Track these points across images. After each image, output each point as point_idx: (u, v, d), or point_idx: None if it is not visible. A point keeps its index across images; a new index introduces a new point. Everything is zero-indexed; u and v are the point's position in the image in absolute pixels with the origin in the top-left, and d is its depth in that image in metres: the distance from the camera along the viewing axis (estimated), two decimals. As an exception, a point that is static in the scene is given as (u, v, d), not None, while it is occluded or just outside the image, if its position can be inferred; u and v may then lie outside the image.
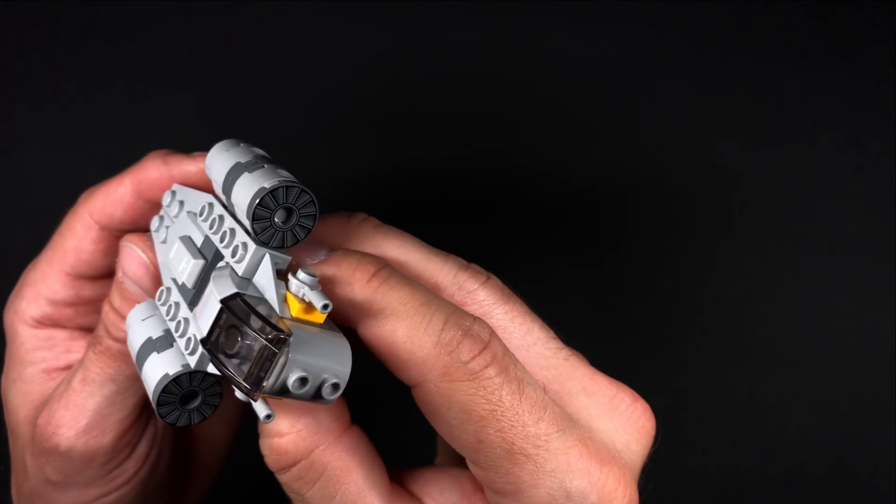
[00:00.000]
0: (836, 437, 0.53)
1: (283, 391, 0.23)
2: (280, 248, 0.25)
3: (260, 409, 0.23)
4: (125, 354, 0.31)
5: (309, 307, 0.24)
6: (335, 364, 0.23)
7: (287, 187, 0.25)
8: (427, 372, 0.25)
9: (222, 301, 0.23)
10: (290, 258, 0.26)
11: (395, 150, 0.57)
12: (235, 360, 0.23)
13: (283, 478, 0.27)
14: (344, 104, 0.56)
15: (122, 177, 0.33)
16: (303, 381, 0.23)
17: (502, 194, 0.56)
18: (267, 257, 0.25)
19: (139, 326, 0.28)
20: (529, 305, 0.29)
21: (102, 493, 0.34)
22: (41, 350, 0.34)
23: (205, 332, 0.24)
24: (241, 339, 0.23)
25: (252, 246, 0.25)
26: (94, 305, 0.35)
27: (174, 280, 0.28)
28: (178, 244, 0.28)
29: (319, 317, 0.24)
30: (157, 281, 0.30)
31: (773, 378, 0.53)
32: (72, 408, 0.32)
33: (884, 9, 0.54)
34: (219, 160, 0.28)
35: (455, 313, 0.26)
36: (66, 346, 0.35)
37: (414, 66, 0.56)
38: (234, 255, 0.26)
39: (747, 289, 0.54)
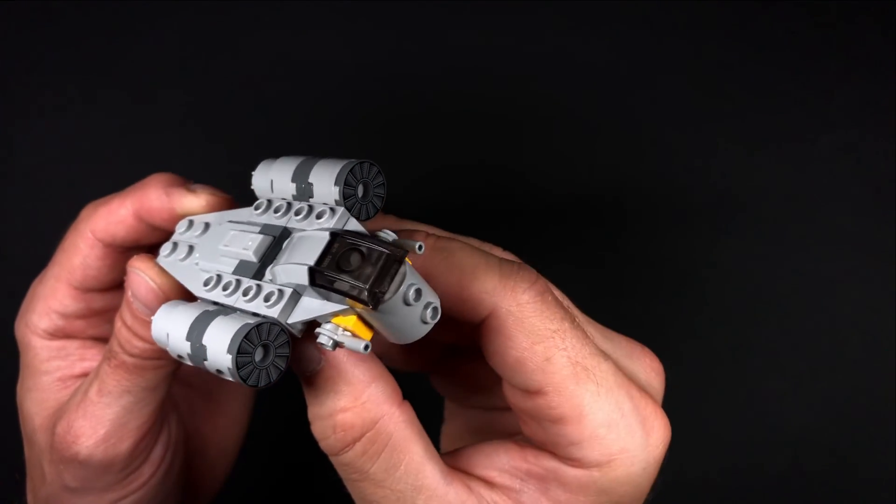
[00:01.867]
0: (836, 437, 0.53)
1: (405, 301, 0.24)
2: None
3: (357, 343, 0.25)
4: (140, 368, 0.31)
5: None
6: (432, 291, 0.26)
7: (369, 163, 0.28)
8: (499, 300, 0.27)
9: (332, 231, 0.25)
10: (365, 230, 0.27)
11: (395, 150, 0.57)
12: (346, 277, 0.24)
13: (346, 457, 0.28)
14: (344, 105, 0.56)
15: (123, 198, 0.33)
16: (418, 292, 0.25)
17: (501, 194, 0.56)
18: (352, 219, 0.27)
19: (183, 309, 0.27)
20: None
21: (119, 497, 0.34)
22: (55, 360, 0.35)
23: (313, 262, 0.25)
24: (358, 259, 0.24)
25: (339, 208, 0.27)
26: (105, 315, 0.36)
27: (220, 272, 0.29)
28: (234, 232, 0.29)
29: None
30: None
31: (773, 378, 0.53)
32: (90, 418, 0.32)
33: (884, 9, 0.54)
34: (277, 164, 0.30)
35: (502, 257, 0.29)
36: (80, 355, 0.35)
37: (414, 66, 0.56)
38: (319, 218, 0.27)
39: (747, 289, 0.54)
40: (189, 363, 0.27)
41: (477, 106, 0.56)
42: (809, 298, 0.53)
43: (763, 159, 0.54)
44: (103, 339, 0.36)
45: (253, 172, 0.31)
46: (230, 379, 0.25)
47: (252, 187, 0.31)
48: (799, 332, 0.54)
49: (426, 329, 0.25)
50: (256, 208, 0.30)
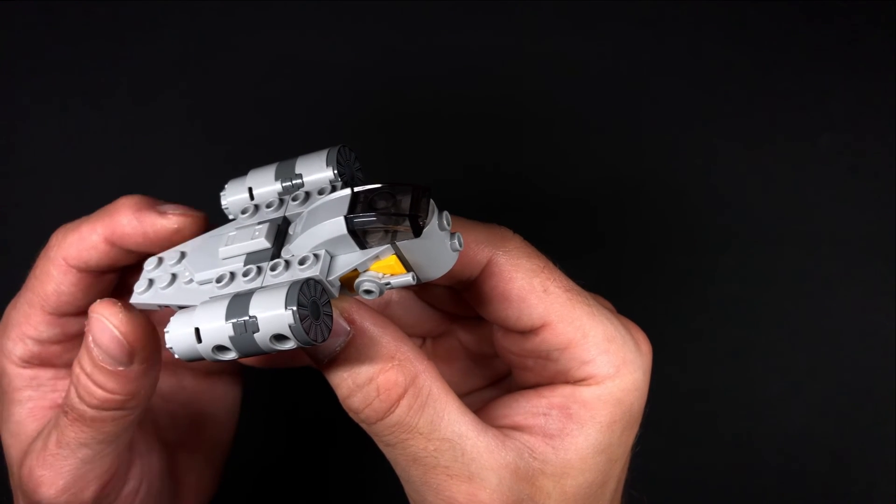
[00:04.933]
0: (836, 437, 0.53)
1: (440, 226, 0.26)
2: None
3: (404, 278, 0.26)
4: (99, 420, 0.31)
5: None
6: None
7: (348, 148, 0.30)
8: (493, 247, 0.30)
9: (351, 187, 0.26)
10: None
11: (396, 150, 0.57)
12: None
13: (393, 417, 0.28)
14: (346, 105, 0.56)
15: (94, 223, 0.32)
16: (448, 218, 0.27)
17: (502, 194, 0.56)
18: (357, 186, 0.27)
19: (208, 304, 0.27)
20: None
21: None
22: (27, 389, 0.34)
23: (345, 212, 0.26)
24: (385, 201, 0.26)
25: (339, 183, 0.29)
26: (81, 340, 0.35)
27: (231, 270, 0.29)
28: (233, 233, 0.29)
29: None
30: (129, 354, 0.29)
31: (773, 378, 0.53)
32: (49, 468, 0.32)
33: (883, 9, 0.54)
34: (252, 174, 0.31)
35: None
36: (52, 386, 0.35)
37: (414, 66, 0.56)
38: (321, 194, 0.29)
39: (747, 289, 0.54)
40: (230, 347, 0.26)
41: (477, 106, 0.56)
42: (809, 298, 0.53)
43: (763, 159, 0.54)
44: None
45: (222, 193, 0.31)
46: (291, 338, 0.25)
47: (224, 206, 0.31)
48: (799, 332, 0.54)
49: (454, 258, 0.27)
50: (244, 212, 0.30)
